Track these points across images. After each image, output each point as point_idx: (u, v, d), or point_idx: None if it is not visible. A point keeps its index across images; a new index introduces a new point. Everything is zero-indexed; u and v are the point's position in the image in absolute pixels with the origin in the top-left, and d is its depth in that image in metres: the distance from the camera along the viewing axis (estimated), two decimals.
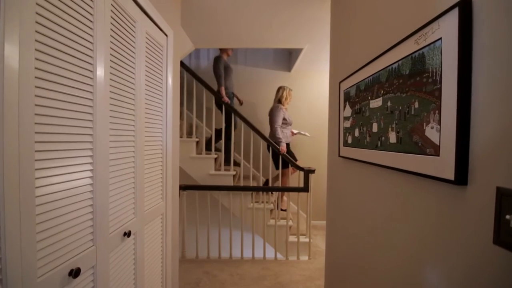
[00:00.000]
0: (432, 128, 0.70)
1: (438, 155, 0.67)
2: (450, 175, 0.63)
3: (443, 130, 0.66)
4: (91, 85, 0.91)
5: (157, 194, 1.51)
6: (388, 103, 0.92)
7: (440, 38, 0.68)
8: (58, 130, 0.77)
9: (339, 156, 1.43)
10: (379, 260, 1.00)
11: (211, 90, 2.99)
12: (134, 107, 1.22)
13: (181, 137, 3.04)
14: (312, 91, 4.04)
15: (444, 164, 0.65)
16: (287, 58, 4.04)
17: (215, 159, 3.10)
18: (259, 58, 4.04)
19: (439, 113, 0.67)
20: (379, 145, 0.98)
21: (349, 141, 1.29)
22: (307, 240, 2.92)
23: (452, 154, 0.63)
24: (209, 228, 2.82)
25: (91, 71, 0.91)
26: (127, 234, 1.14)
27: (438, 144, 0.68)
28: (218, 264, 2.70)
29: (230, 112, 3.08)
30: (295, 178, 3.20)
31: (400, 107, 0.85)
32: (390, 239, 0.93)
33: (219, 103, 3.11)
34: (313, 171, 2.84)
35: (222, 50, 3.47)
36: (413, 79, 0.79)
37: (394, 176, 0.91)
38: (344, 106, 1.36)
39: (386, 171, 0.97)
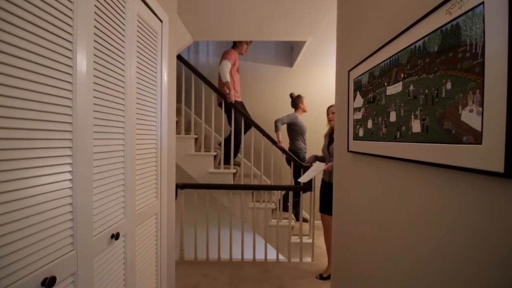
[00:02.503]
0: (471, 111, 0.58)
1: (480, 143, 0.56)
2: (498, 167, 0.52)
3: (486, 113, 0.55)
4: (69, 73, 0.79)
5: (151, 193, 1.40)
6: (410, 87, 0.81)
7: (482, 3, 0.56)
8: (21, 125, 0.66)
9: (348, 151, 1.31)
10: (401, 266, 0.89)
11: (211, 86, 2.87)
12: (123, 101, 1.10)
13: (179, 133, 2.93)
14: (315, 86, 3.92)
15: (488, 154, 0.54)
16: (289, 53, 3.93)
17: (214, 156, 2.99)
18: (260, 53, 3.93)
19: (481, 93, 0.56)
20: (398, 136, 0.87)
21: (360, 134, 1.17)
22: (310, 241, 2.81)
23: (500, 141, 0.51)
24: (208, 228, 2.71)
25: (70, 58, 0.79)
26: (115, 236, 1.02)
27: (479, 129, 0.56)
28: (217, 266, 2.59)
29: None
30: (297, 177, 3.08)
31: (427, 91, 0.73)
32: (415, 243, 0.81)
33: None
34: None
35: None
36: (443, 56, 0.67)
37: (417, 170, 0.80)
38: (354, 96, 1.25)
39: (406, 165, 0.85)
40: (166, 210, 1.57)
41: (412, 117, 0.79)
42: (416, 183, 0.81)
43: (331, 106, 2.33)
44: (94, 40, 0.90)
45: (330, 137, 2.40)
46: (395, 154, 0.88)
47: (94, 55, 0.90)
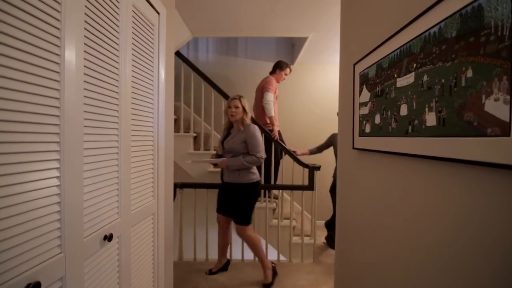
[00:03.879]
0: (496, 100, 0.53)
1: (508, 135, 0.50)
2: None
3: None
4: (57, 63, 0.73)
5: (147, 192, 1.34)
6: (423, 77, 0.75)
7: None
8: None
9: (354, 148, 1.26)
10: (414, 272, 0.83)
11: (211, 83, 2.81)
12: (117, 95, 1.04)
13: (177, 132, 2.87)
14: (316, 84, 3.86)
15: None
16: (290, 50, 3.87)
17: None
18: (260, 50, 3.87)
19: (509, 79, 0.50)
20: (410, 130, 0.81)
21: (367, 130, 1.12)
22: (311, 241, 2.75)
23: None
24: (208, 229, 2.65)
25: (57, 54, 0.73)
26: (108, 237, 0.96)
27: (507, 120, 0.50)
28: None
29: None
30: (299, 176, 3.02)
31: (443, 80, 0.67)
32: (430, 247, 0.76)
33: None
34: (318, 168, 2.67)
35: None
36: (463, 42, 0.61)
37: (432, 167, 0.74)
38: (361, 91, 1.19)
39: (419, 162, 0.80)
40: (163, 210, 1.51)
41: (426, 109, 0.74)
42: (430, 181, 0.75)
43: (234, 98, 2.11)
44: (85, 29, 0.84)
45: (227, 131, 2.21)
46: (407, 150, 0.83)
47: (85, 44, 0.84)
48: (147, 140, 1.33)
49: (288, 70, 2.92)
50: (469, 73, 0.60)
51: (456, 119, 0.63)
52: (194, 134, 2.95)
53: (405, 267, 0.85)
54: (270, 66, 3.88)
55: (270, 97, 2.71)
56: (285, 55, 3.86)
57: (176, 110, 2.92)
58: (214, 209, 2.36)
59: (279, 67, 2.87)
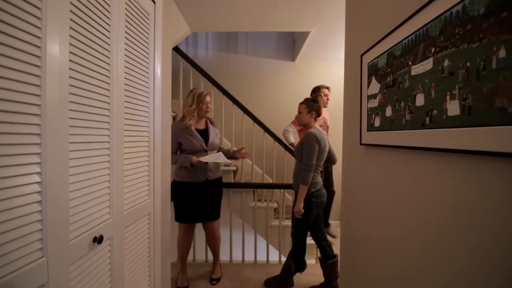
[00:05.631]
0: None
1: None
2: None
3: None
4: (37, 56, 0.66)
5: (143, 191, 1.27)
6: (444, 62, 0.68)
7: None
8: None
9: (361, 144, 1.18)
10: (429, 278, 0.76)
11: (211, 79, 2.74)
12: (109, 91, 0.97)
13: None
14: (319, 81, 3.77)
15: None
16: (291, 46, 3.79)
17: None
18: (260, 47, 3.79)
19: None
20: (427, 122, 0.74)
21: (376, 124, 1.04)
22: (314, 242, 2.67)
23: None
24: None
25: (38, 46, 0.66)
26: (98, 239, 0.89)
27: None
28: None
29: None
30: None
31: (468, 64, 0.60)
32: (462, 256, 0.68)
33: None
34: None
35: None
36: (493, 19, 0.54)
37: (454, 161, 0.67)
38: (369, 83, 1.11)
39: (439, 156, 0.72)
40: (160, 209, 1.44)
41: (448, 97, 0.66)
42: (453, 177, 0.67)
43: (207, 94, 2.01)
44: (71, 19, 0.77)
45: (195, 129, 1.99)
46: (424, 143, 0.75)
47: (71, 36, 0.77)
48: (142, 136, 1.26)
49: (325, 90, 2.81)
50: (502, 53, 0.52)
51: (485, 106, 0.55)
52: None
53: (429, 270, 0.78)
54: (270, 62, 3.81)
55: (287, 127, 2.79)
56: (286, 52, 3.78)
57: (175, 108, 2.85)
58: None
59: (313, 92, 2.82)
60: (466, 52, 0.61)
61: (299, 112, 2.04)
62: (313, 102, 1.99)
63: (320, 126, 2.56)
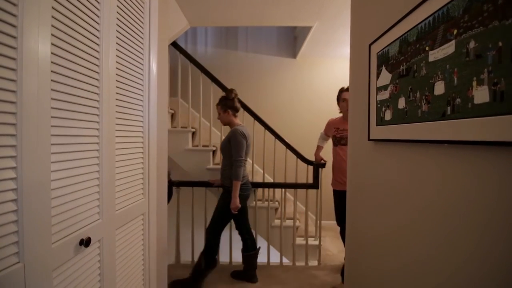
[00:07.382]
0: None
1: None
2: None
3: None
4: (12, 58, 0.59)
5: (136, 190, 1.20)
6: (469, 44, 0.60)
7: None
8: None
9: (369, 139, 1.11)
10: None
11: (210, 75, 2.66)
12: (98, 82, 0.90)
13: (175, 127, 2.73)
14: (321, 78, 3.71)
15: None
16: (292, 43, 3.72)
17: (213, 151, 2.79)
18: (261, 43, 3.72)
19: None
20: (448, 112, 0.66)
21: (387, 117, 0.97)
22: (316, 242, 2.60)
23: None
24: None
25: (13, 36, 0.59)
26: (85, 242, 0.82)
27: None
28: (216, 270, 2.38)
29: None
30: (303, 174, 2.87)
31: (500, 43, 0.53)
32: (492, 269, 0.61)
33: None
34: (323, 165, 2.52)
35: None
36: None
37: (483, 155, 0.59)
38: (378, 74, 1.04)
39: (464, 149, 0.65)
40: (155, 210, 1.37)
41: (474, 83, 0.59)
42: (480, 174, 0.60)
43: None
44: (52, 8, 0.69)
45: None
46: (444, 136, 0.68)
47: (52, 26, 0.70)
48: (136, 131, 1.18)
49: (345, 94, 2.42)
50: None
51: None
52: (193, 130, 2.80)
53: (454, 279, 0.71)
54: (271, 59, 3.74)
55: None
56: (287, 48, 3.71)
57: (174, 105, 2.78)
58: (212, 209, 2.21)
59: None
60: (498, 31, 0.53)
61: (218, 113, 2.11)
62: (226, 100, 2.03)
63: (339, 137, 2.32)
